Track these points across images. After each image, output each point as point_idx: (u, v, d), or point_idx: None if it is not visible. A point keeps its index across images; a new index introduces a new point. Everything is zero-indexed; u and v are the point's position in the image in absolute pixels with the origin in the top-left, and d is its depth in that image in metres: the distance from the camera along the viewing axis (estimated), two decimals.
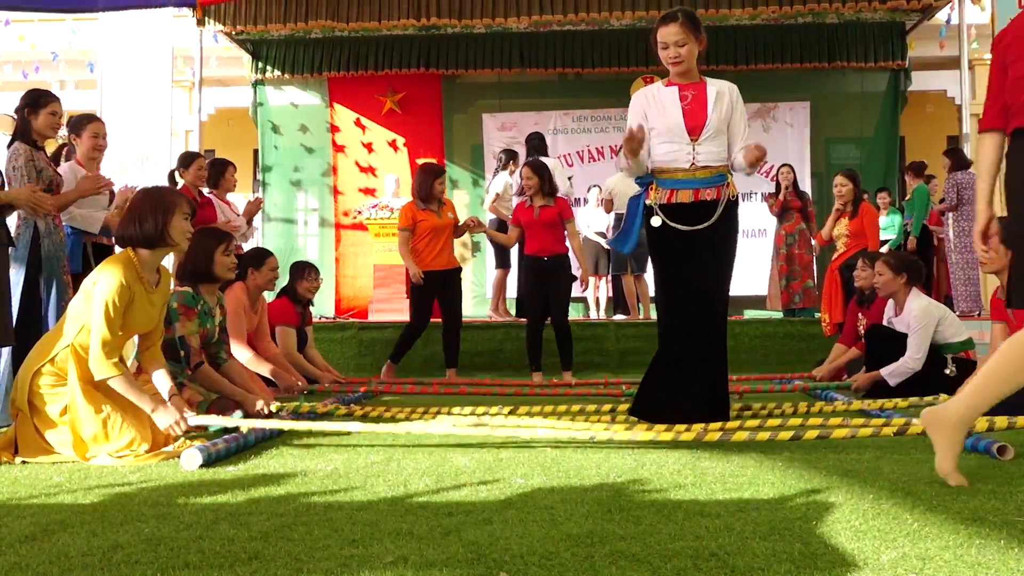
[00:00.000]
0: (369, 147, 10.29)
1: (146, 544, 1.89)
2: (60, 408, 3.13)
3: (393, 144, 10.26)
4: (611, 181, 8.43)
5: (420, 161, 10.23)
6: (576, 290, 6.42)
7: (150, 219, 3.28)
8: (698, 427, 3.20)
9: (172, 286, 3.99)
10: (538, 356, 6.13)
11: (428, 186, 6.08)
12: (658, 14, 8.89)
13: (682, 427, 3.19)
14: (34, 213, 4.13)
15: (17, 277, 4.13)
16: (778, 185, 8.48)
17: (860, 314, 5.59)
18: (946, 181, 8.14)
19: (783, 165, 8.57)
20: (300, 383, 4.99)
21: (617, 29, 9.72)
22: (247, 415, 3.82)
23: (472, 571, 1.68)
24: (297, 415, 3.87)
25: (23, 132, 4.29)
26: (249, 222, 6.29)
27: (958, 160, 8.05)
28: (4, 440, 3.16)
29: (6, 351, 4.13)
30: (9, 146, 4.30)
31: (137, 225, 3.29)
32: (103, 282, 3.17)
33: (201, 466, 2.84)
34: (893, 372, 4.68)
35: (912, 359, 4.64)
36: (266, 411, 3.81)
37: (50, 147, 5.04)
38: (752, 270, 9.65)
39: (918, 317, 4.68)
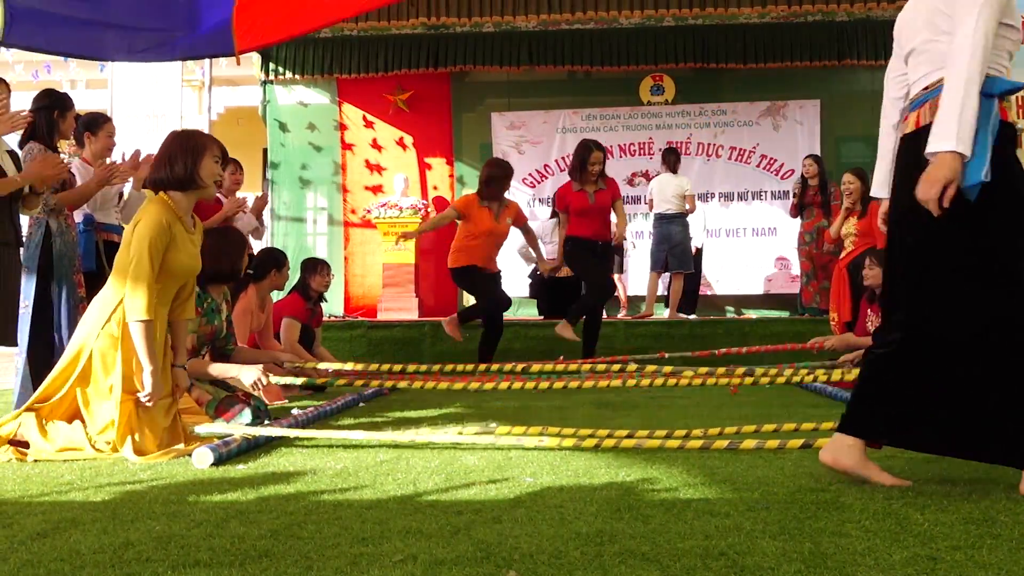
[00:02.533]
0: (377, 145, 10.30)
1: (157, 542, 1.90)
2: (110, 384, 3.13)
3: (401, 143, 10.26)
4: (653, 182, 8.38)
5: (428, 160, 10.27)
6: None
7: (180, 161, 3.28)
8: (714, 431, 3.19)
9: None
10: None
11: (499, 185, 5.95)
12: (667, 13, 9.00)
13: (697, 432, 3.15)
14: (51, 180, 4.02)
15: (28, 277, 4.15)
16: (803, 178, 8.05)
17: (871, 311, 5.59)
18: None
19: (807, 156, 8.19)
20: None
21: (626, 28, 9.69)
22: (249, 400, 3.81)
23: (481, 569, 1.68)
24: (311, 387, 3.88)
25: (41, 132, 4.29)
26: (259, 218, 6.30)
27: None
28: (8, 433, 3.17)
29: (23, 355, 4.15)
30: (22, 145, 4.30)
31: (168, 167, 3.28)
32: (143, 223, 3.18)
33: (212, 464, 2.85)
34: None
35: None
36: (264, 381, 3.79)
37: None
38: (758, 269, 9.64)
39: None
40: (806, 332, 7.14)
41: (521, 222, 6.29)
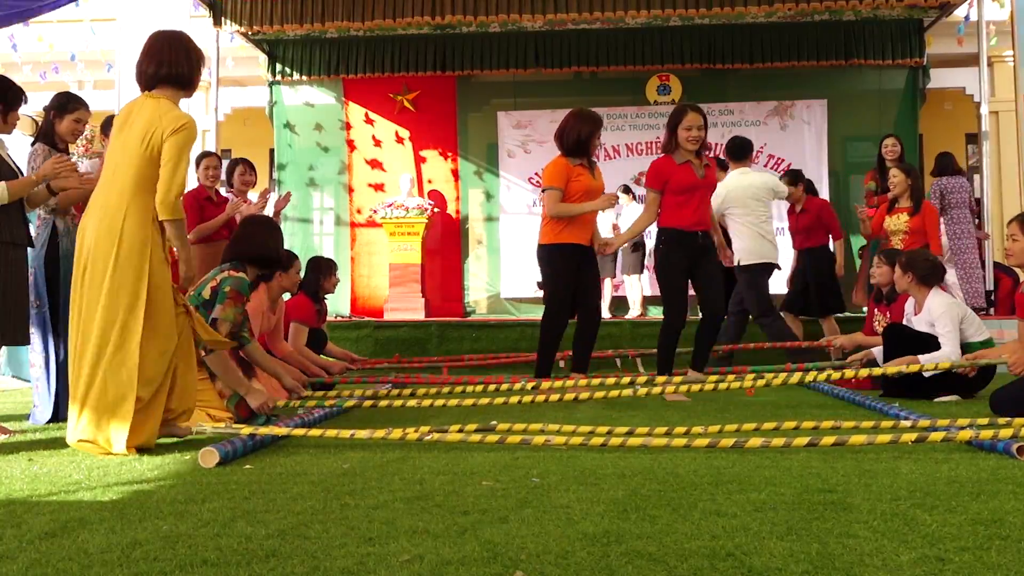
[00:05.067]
0: (383, 145, 10.31)
1: (164, 541, 1.90)
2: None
3: (407, 142, 10.27)
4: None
5: (433, 159, 10.26)
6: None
7: (192, 60, 3.37)
8: (714, 430, 3.22)
9: (227, 271, 4.01)
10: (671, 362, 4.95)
11: (587, 138, 4.77)
12: (673, 13, 8.98)
13: (698, 429, 3.19)
14: (63, 185, 4.04)
15: (38, 277, 4.17)
16: (881, 161, 7.43)
17: (878, 310, 5.58)
18: (932, 186, 7.93)
19: (887, 136, 7.66)
20: (303, 378, 4.99)
21: (632, 28, 9.69)
22: (255, 410, 3.84)
23: (488, 570, 1.68)
24: (321, 408, 3.94)
25: (46, 133, 4.33)
26: (276, 216, 6.36)
27: (943, 165, 7.90)
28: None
29: (43, 353, 4.17)
30: (32, 146, 4.34)
31: (181, 65, 3.33)
32: (187, 129, 3.23)
33: (218, 464, 2.86)
34: (930, 361, 4.59)
35: (953, 352, 4.56)
36: (269, 407, 3.84)
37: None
38: None
39: (943, 315, 4.63)
40: (812, 332, 7.13)
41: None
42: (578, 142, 4.77)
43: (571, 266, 4.81)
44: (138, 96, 3.44)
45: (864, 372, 4.27)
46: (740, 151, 6.48)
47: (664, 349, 4.90)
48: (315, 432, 3.35)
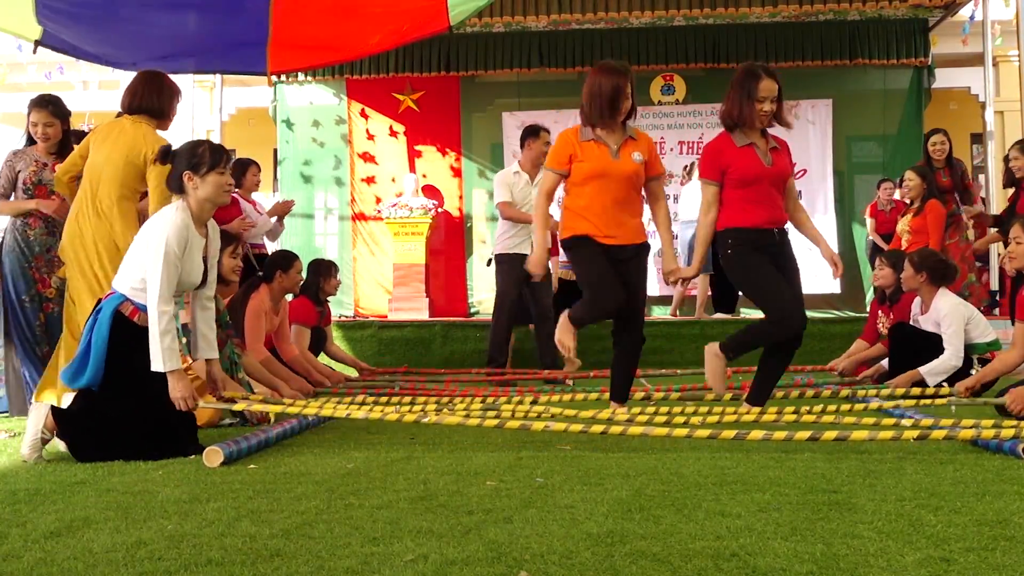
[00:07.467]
0: (386, 145, 10.31)
1: (169, 541, 1.90)
2: None
3: (411, 142, 10.26)
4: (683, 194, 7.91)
5: (437, 160, 10.25)
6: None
7: (171, 96, 4.09)
8: (713, 420, 3.23)
9: None
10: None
11: (608, 96, 3.62)
12: (677, 13, 8.97)
13: (696, 420, 3.23)
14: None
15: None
16: (928, 158, 6.72)
17: (881, 312, 5.57)
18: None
19: (934, 132, 6.82)
20: (308, 387, 4.99)
21: (636, 27, 9.68)
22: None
23: (492, 570, 1.68)
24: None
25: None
26: (280, 220, 6.37)
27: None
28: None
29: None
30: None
31: (159, 97, 4.01)
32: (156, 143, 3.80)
33: (223, 464, 2.86)
34: (933, 371, 4.57)
35: (954, 356, 4.56)
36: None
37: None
38: None
39: (949, 315, 4.62)
40: (816, 332, 7.11)
41: (655, 171, 3.82)
42: (592, 103, 3.68)
43: (595, 253, 3.72)
44: (119, 118, 4.06)
45: (873, 392, 4.24)
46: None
47: (753, 339, 3.84)
48: (311, 409, 3.40)
